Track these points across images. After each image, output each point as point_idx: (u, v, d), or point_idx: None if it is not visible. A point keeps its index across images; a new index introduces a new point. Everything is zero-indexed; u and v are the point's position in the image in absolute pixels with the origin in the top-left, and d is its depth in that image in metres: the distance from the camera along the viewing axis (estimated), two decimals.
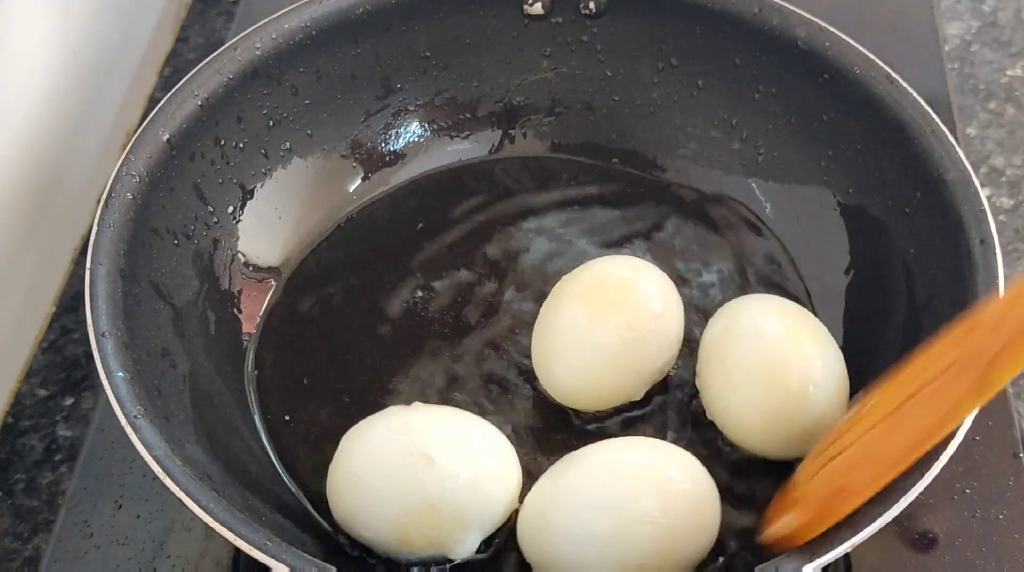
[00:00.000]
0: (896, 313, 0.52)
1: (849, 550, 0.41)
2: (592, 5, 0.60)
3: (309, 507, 0.50)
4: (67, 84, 0.64)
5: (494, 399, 0.53)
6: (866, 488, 0.41)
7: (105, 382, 0.44)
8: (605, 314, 0.50)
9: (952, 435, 0.41)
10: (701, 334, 0.53)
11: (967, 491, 0.52)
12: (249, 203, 0.57)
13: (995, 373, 0.38)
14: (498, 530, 0.48)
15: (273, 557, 0.40)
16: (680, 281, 0.57)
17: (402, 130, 0.62)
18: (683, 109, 0.61)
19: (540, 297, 0.56)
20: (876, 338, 0.53)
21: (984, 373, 0.38)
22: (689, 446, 0.50)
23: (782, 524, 0.44)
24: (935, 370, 0.41)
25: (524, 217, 0.60)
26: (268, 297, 0.57)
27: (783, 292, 0.57)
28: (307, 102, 0.59)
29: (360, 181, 0.61)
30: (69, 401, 0.60)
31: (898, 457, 0.41)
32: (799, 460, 0.47)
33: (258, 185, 0.58)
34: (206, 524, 0.41)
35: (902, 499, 0.41)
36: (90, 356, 0.45)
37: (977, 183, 0.50)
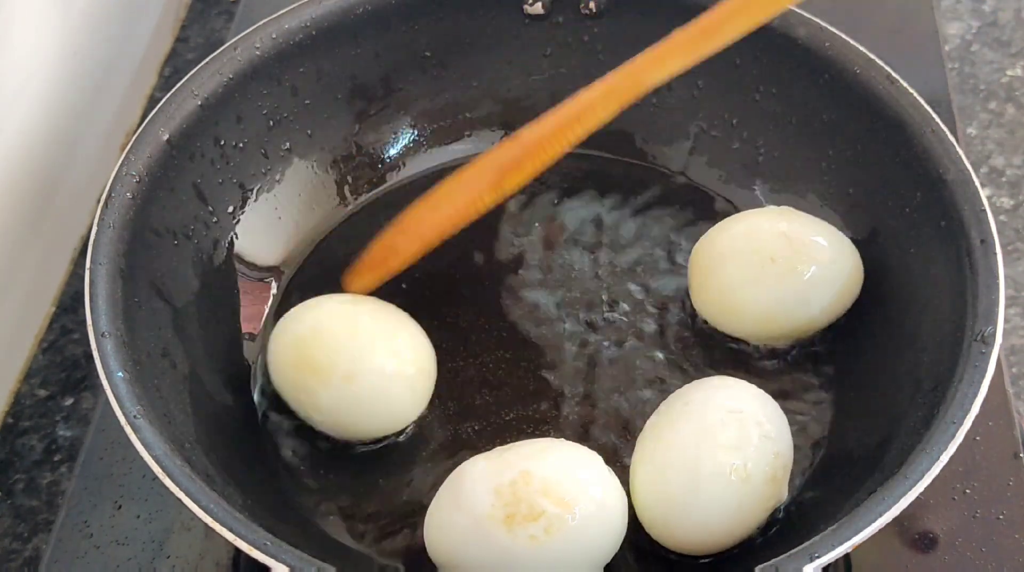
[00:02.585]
0: (896, 313, 0.52)
1: (849, 550, 0.41)
2: (592, 5, 0.60)
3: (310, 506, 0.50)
4: (67, 84, 0.64)
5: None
6: (407, 253, 0.53)
7: (105, 382, 0.44)
8: None
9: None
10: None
11: (967, 491, 0.52)
12: (249, 203, 0.57)
13: (505, 180, 0.52)
14: None
15: (273, 557, 0.40)
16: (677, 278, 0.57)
17: (402, 130, 0.62)
18: (683, 109, 0.61)
19: (540, 296, 0.56)
20: (876, 338, 0.53)
21: (498, 178, 0.51)
22: None
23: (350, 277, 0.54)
24: (469, 172, 0.53)
25: (523, 216, 0.60)
26: (268, 297, 0.57)
27: None
28: (307, 102, 0.59)
29: (360, 181, 0.61)
30: (69, 401, 0.60)
31: (431, 232, 0.53)
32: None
33: (258, 185, 0.58)
34: (206, 524, 0.41)
35: (903, 499, 0.41)
36: (90, 356, 0.45)
37: (977, 183, 0.50)
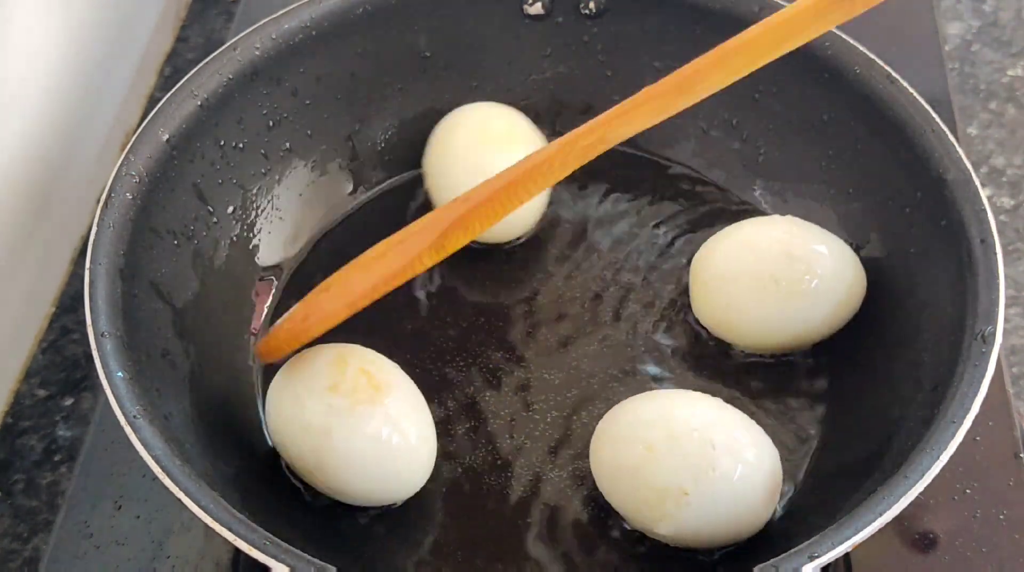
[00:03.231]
0: (896, 313, 0.52)
1: (849, 550, 0.41)
2: (592, 5, 0.60)
3: (309, 507, 0.50)
4: (67, 84, 0.64)
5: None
6: (330, 316, 0.48)
7: (105, 382, 0.44)
8: None
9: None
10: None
11: (968, 491, 0.52)
12: (249, 203, 0.57)
13: (447, 239, 0.46)
14: None
15: (273, 557, 0.40)
16: (678, 279, 0.57)
17: (402, 130, 0.62)
18: (683, 109, 0.61)
19: (541, 294, 0.56)
20: (876, 338, 0.53)
21: (439, 237, 0.46)
22: None
23: (271, 336, 0.50)
24: (407, 232, 0.48)
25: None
26: (269, 297, 0.57)
27: None
28: (307, 102, 0.59)
29: (360, 181, 0.61)
30: (69, 401, 0.60)
31: (361, 294, 0.47)
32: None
33: (258, 185, 0.58)
34: (205, 524, 0.41)
35: (903, 499, 0.41)
36: (90, 356, 0.45)
37: (978, 183, 0.50)
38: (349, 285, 0.48)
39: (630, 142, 0.61)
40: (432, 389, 0.52)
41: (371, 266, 0.48)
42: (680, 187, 0.61)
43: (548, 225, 0.60)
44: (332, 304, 0.48)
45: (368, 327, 0.50)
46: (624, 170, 0.62)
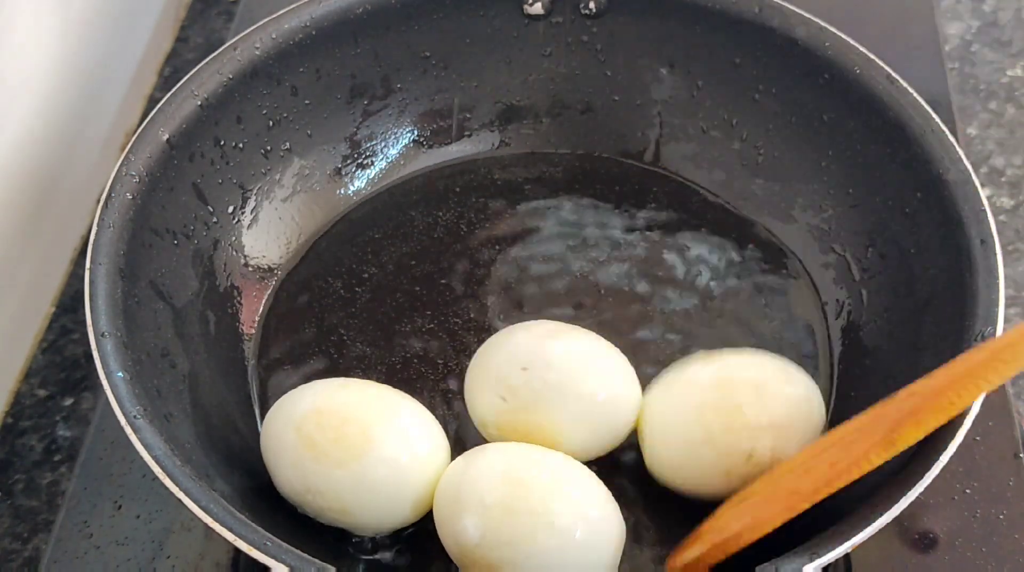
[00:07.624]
0: (896, 313, 0.52)
1: (849, 550, 0.41)
2: (592, 5, 0.60)
3: None
4: (67, 84, 0.64)
5: None
6: (764, 522, 0.44)
7: (105, 382, 0.44)
8: None
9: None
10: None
11: (967, 491, 0.52)
12: (249, 203, 0.57)
13: (897, 436, 0.42)
14: None
15: (273, 557, 0.40)
16: (678, 279, 0.57)
17: (402, 130, 0.62)
18: (683, 109, 0.61)
19: (536, 297, 0.56)
20: (876, 339, 0.53)
21: (887, 434, 0.42)
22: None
23: (688, 553, 0.46)
24: (847, 429, 0.45)
25: (523, 216, 0.60)
26: (268, 297, 0.57)
27: (783, 290, 0.57)
28: (307, 102, 0.59)
29: (360, 181, 0.61)
30: (69, 401, 0.60)
31: (803, 496, 0.43)
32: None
33: (258, 185, 0.58)
34: (206, 524, 0.41)
35: (903, 499, 0.41)
36: (90, 356, 0.45)
37: (977, 183, 0.50)
38: (787, 487, 0.45)
39: (629, 144, 0.62)
40: None
41: (812, 465, 0.45)
42: (680, 191, 0.61)
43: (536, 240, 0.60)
44: (766, 510, 0.44)
45: None
46: (619, 173, 0.62)
